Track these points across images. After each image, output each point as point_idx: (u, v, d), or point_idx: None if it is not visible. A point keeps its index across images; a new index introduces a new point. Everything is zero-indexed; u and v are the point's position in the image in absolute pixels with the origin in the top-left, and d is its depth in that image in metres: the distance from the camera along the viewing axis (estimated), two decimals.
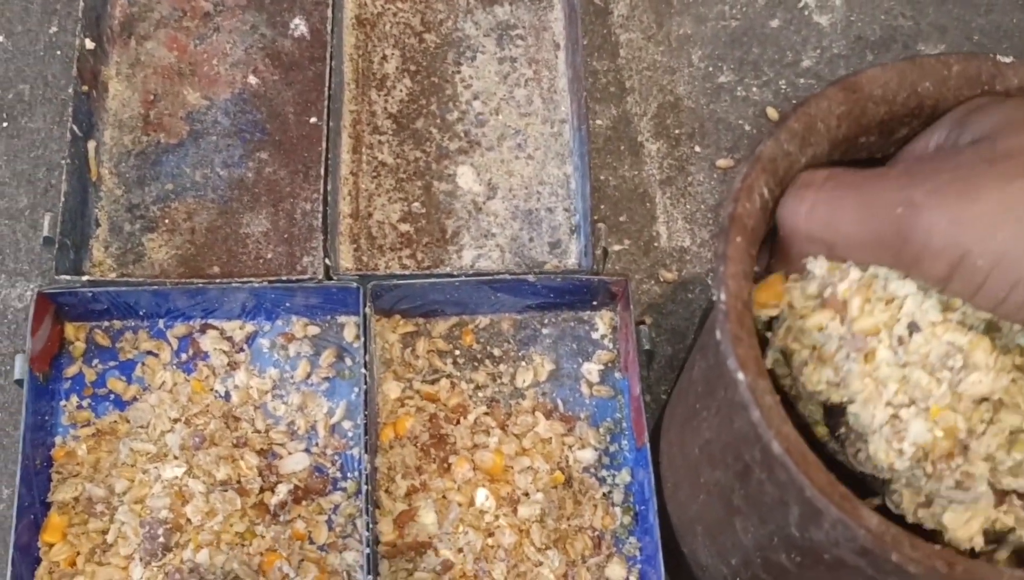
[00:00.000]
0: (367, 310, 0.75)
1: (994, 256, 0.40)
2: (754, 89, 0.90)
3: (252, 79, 0.87)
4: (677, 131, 0.88)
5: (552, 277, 0.76)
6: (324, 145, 0.80)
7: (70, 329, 0.78)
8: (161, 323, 0.79)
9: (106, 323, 0.78)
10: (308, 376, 0.78)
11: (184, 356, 0.78)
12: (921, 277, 0.45)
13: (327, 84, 0.84)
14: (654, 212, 0.85)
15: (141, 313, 0.78)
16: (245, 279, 0.76)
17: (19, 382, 0.72)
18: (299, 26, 0.89)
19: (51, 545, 0.71)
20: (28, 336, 0.72)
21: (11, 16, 0.88)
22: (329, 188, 0.79)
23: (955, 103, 0.51)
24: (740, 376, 0.46)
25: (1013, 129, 0.43)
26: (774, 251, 0.52)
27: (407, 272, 0.78)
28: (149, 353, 0.78)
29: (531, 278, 0.76)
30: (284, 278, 0.76)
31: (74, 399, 0.76)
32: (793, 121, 0.51)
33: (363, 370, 0.73)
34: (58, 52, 0.87)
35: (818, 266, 0.49)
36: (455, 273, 0.77)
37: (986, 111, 0.47)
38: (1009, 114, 0.45)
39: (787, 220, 0.49)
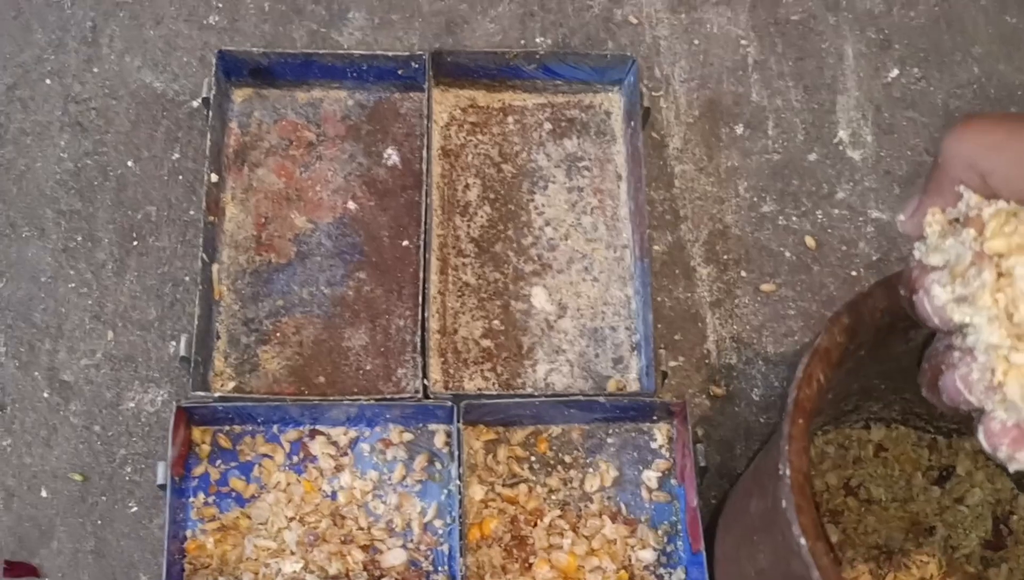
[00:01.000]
0: (459, 426, 0.86)
1: None
2: (794, 218, 1.01)
3: (351, 204, 0.99)
4: (725, 257, 0.99)
5: (620, 398, 0.88)
6: (421, 275, 0.91)
7: (197, 432, 0.89)
8: (275, 428, 0.90)
9: (227, 427, 0.90)
10: (403, 478, 0.89)
11: (295, 458, 0.89)
12: None
13: (423, 209, 0.96)
14: (705, 331, 0.97)
15: (259, 420, 0.89)
16: (353, 397, 0.88)
17: (161, 486, 0.83)
18: (391, 156, 1.01)
19: None
20: (169, 445, 0.84)
21: (139, 143, 1.00)
22: (426, 314, 0.90)
23: None
24: (802, 542, 0.57)
25: None
26: (926, 188, 0.53)
27: (494, 392, 0.90)
28: (265, 455, 0.89)
29: (602, 399, 0.87)
30: (387, 396, 0.88)
31: (201, 496, 0.88)
32: (845, 317, 0.63)
33: (457, 481, 0.84)
34: (180, 177, 0.99)
35: (969, 193, 0.50)
36: (536, 393, 0.89)
37: None
38: None
39: (951, 147, 0.50)
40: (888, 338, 0.66)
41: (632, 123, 0.99)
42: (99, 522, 0.88)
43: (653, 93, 1.05)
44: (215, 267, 0.93)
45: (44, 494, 0.88)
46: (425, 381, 0.88)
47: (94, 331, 0.93)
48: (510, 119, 1.03)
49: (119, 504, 0.88)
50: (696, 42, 1.08)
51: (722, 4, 1.10)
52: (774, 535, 0.67)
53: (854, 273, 0.99)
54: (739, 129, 1.04)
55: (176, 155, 1.00)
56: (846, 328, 0.63)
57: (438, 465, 0.90)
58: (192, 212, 0.97)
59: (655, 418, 0.91)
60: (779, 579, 0.66)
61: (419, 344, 0.90)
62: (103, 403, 0.91)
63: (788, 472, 0.59)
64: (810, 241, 1.00)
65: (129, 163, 0.99)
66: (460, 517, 0.83)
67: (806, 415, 0.60)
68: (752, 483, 0.73)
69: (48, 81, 1.02)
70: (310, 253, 0.97)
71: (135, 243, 0.96)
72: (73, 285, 0.94)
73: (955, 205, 0.50)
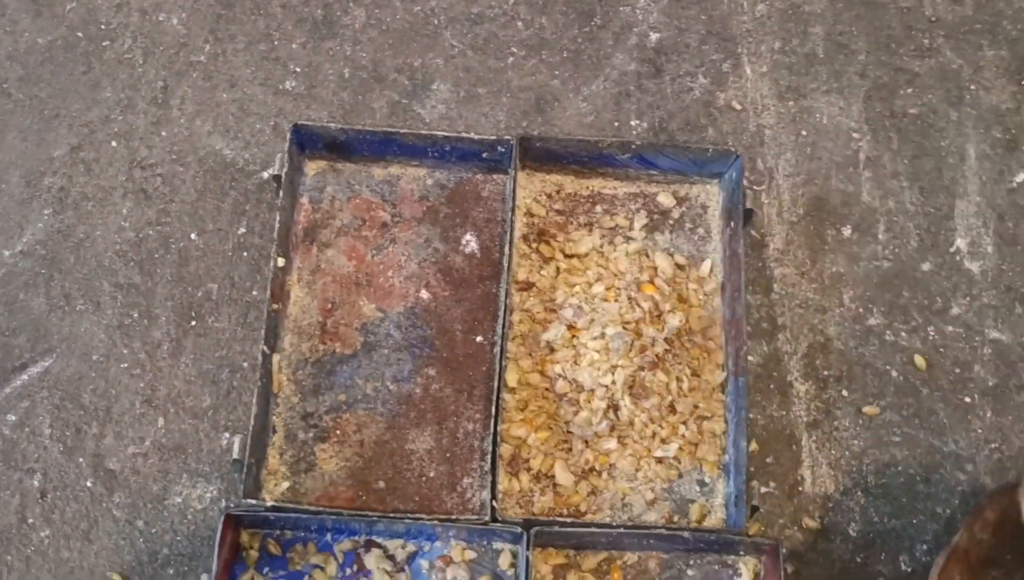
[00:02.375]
0: (528, 554, 0.79)
1: None
2: (903, 334, 0.93)
3: (424, 294, 0.92)
4: (825, 373, 0.91)
5: (707, 534, 0.80)
6: (496, 381, 0.84)
7: (245, 536, 0.83)
8: (328, 536, 0.83)
9: (278, 532, 0.83)
10: None
11: (348, 570, 0.83)
12: None
13: (501, 303, 0.89)
14: (799, 455, 0.89)
15: (312, 527, 0.83)
16: (415, 515, 0.81)
17: None
18: (470, 242, 0.94)
19: None
20: (215, 558, 0.77)
21: (204, 214, 0.94)
22: (499, 426, 0.83)
23: None
24: None
25: None
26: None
27: (568, 519, 0.82)
28: (316, 566, 0.83)
29: (685, 534, 0.79)
30: (452, 518, 0.81)
31: None
32: (988, 511, 0.55)
33: None
34: (245, 254, 0.93)
35: None
36: (614, 523, 0.81)
37: None
38: None
39: None
40: None
41: (732, 224, 0.91)
42: None
43: (755, 188, 0.97)
44: (276, 357, 0.87)
45: None
46: (494, 502, 0.81)
47: (144, 417, 0.87)
48: (598, 208, 0.96)
49: None
50: (804, 133, 1.00)
51: (834, 92, 1.02)
52: None
53: (967, 399, 0.90)
54: (846, 232, 0.96)
55: (242, 229, 0.94)
56: (989, 524, 0.54)
57: None
58: (255, 292, 0.91)
59: (741, 552, 0.83)
60: None
61: (490, 457, 0.83)
62: (148, 496, 0.85)
63: None
64: (920, 361, 0.91)
65: (193, 235, 0.93)
66: None
67: (969, 563, 0.52)
68: None
69: (114, 143, 0.96)
70: (377, 344, 0.90)
71: (193, 323, 0.91)
72: (126, 365, 0.89)
73: None
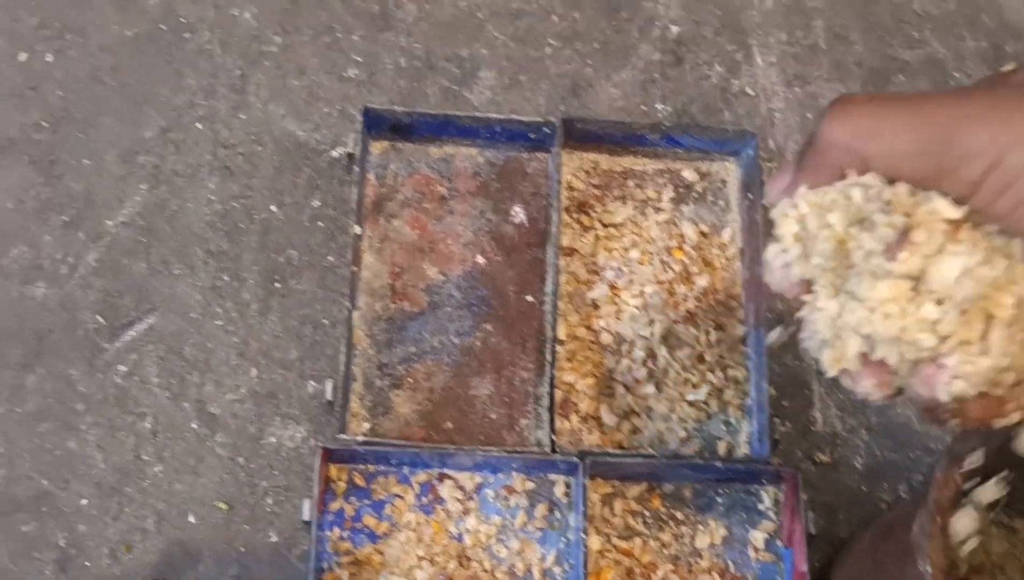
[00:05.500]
0: (585, 481, 0.92)
1: None
2: None
3: (480, 258, 1.04)
4: None
5: (736, 463, 0.93)
6: (550, 332, 0.97)
7: (333, 470, 0.95)
8: (406, 470, 0.96)
9: (362, 466, 0.96)
10: (525, 525, 0.95)
11: (425, 499, 0.95)
12: (954, 184, 0.51)
13: (548, 267, 1.01)
14: (811, 399, 1.02)
15: (392, 462, 0.95)
16: (486, 448, 0.94)
17: (306, 523, 0.89)
18: (519, 213, 1.06)
19: None
20: (315, 485, 0.90)
21: (281, 189, 1.06)
22: (554, 371, 0.96)
23: None
24: None
25: None
26: (801, 164, 0.57)
27: (619, 451, 0.95)
28: (397, 495, 0.95)
29: (719, 464, 0.93)
30: (518, 450, 0.94)
31: (336, 531, 0.94)
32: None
33: (581, 534, 0.90)
34: (319, 224, 1.05)
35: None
36: (658, 454, 0.94)
37: None
38: None
39: (828, 135, 0.53)
40: None
41: (750, 195, 1.04)
42: (242, 549, 0.94)
43: (767, 164, 1.10)
44: (355, 314, 0.99)
45: (192, 519, 0.94)
46: (553, 436, 0.94)
47: (239, 367, 0.99)
48: (630, 182, 1.08)
49: (260, 533, 0.94)
50: (809, 116, 1.13)
51: (835, 80, 1.15)
52: None
53: None
54: None
55: (316, 202, 1.06)
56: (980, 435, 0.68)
57: (557, 514, 0.96)
58: (331, 258, 1.03)
59: (763, 481, 0.96)
60: None
61: (548, 400, 0.95)
62: (246, 437, 0.97)
63: (929, 570, 0.64)
64: None
65: (273, 208, 1.05)
66: (583, 567, 0.89)
67: (944, 514, 0.66)
68: (871, 563, 0.79)
69: (199, 125, 1.08)
70: (441, 303, 1.03)
71: (277, 285, 1.02)
72: (220, 322, 1.00)
73: (829, 183, 0.55)
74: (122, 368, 0.98)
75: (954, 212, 0.51)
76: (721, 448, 0.98)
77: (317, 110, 1.10)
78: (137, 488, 0.95)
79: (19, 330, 0.99)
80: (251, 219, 1.05)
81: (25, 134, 1.06)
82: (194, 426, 0.97)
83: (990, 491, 0.70)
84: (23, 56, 1.09)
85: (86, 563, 0.92)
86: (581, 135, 1.07)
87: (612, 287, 1.03)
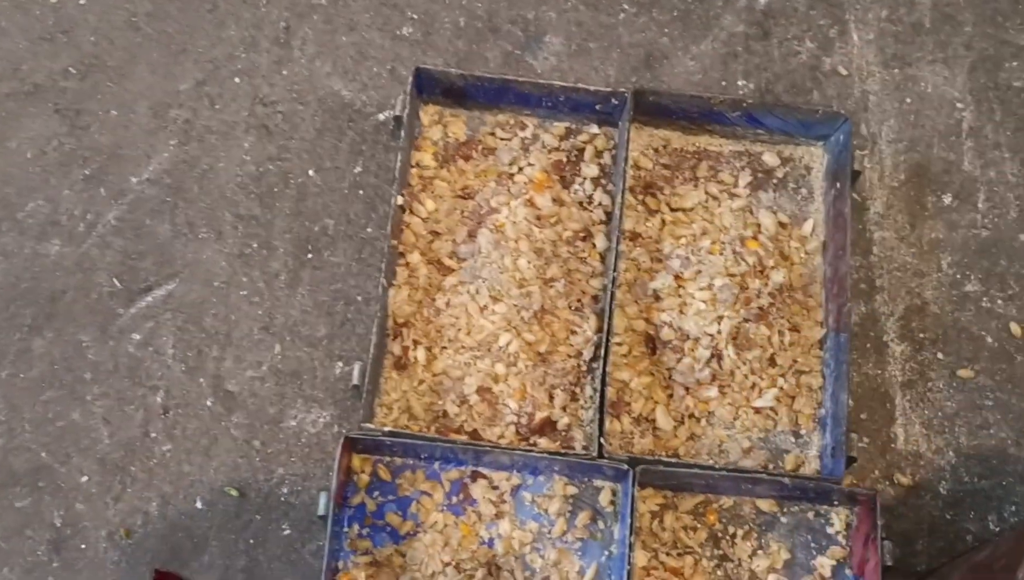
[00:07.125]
0: (634, 491, 0.82)
1: None
2: (999, 302, 0.94)
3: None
4: (921, 335, 0.93)
5: (805, 480, 0.82)
6: (606, 322, 0.87)
7: (357, 460, 0.86)
8: (436, 465, 0.87)
9: (388, 458, 0.87)
10: (564, 533, 0.85)
11: (455, 498, 0.86)
12: None
13: (612, 251, 0.91)
14: (893, 413, 0.91)
15: (422, 455, 0.86)
16: (527, 448, 0.84)
17: (321, 517, 0.81)
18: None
19: None
20: (334, 477, 0.81)
21: (322, 152, 0.97)
22: (607, 367, 0.86)
23: None
24: None
25: None
26: None
27: (674, 459, 0.85)
28: (424, 493, 0.86)
29: (785, 481, 0.82)
30: (562, 451, 0.84)
31: (356, 527, 0.85)
32: None
33: (628, 548, 0.80)
34: (360, 192, 0.96)
35: None
36: (717, 466, 0.84)
37: None
38: None
39: None
40: None
41: (839, 185, 0.93)
42: (252, 541, 0.85)
43: (858, 152, 0.99)
44: (392, 291, 0.90)
45: (199, 505, 0.86)
46: (602, 438, 0.84)
47: (262, 343, 0.91)
48: (704, 164, 0.98)
49: (273, 525, 0.86)
50: (908, 101, 1.02)
51: (939, 62, 1.03)
52: None
53: None
54: (947, 199, 0.98)
55: (358, 169, 0.97)
56: None
57: (600, 523, 0.86)
58: (370, 229, 0.95)
59: (835, 502, 0.86)
60: None
61: (599, 398, 0.85)
62: (265, 418, 0.89)
63: None
64: (1016, 328, 0.93)
65: (311, 172, 0.97)
66: None
67: None
68: None
69: (237, 80, 1.00)
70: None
71: (310, 256, 0.94)
72: (245, 293, 0.92)
73: None
74: (136, 336, 0.90)
75: None
76: (788, 462, 0.88)
77: (366, 69, 1.01)
78: (143, 467, 0.87)
79: (30, 290, 0.91)
80: (286, 183, 0.96)
81: (52, 81, 0.98)
82: (209, 403, 0.89)
83: None
84: None
85: (82, 545, 0.84)
86: (652, 109, 0.97)
87: (677, 277, 0.93)
